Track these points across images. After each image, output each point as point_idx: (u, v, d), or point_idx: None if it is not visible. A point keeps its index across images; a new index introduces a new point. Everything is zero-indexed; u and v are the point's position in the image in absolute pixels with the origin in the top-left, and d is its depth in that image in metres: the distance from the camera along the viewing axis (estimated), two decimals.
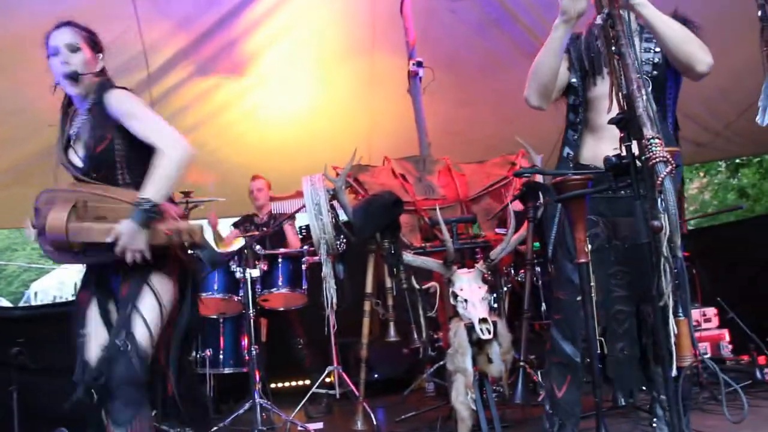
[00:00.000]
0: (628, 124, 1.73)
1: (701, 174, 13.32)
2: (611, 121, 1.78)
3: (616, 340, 2.47)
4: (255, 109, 5.66)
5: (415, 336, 3.77)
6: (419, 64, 4.52)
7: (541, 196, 3.58)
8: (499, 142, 5.68)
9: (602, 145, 2.46)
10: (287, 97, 5.67)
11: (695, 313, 4.55)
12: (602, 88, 2.49)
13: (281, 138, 5.89)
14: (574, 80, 2.61)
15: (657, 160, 1.59)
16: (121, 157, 2.33)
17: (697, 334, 4.51)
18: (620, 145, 1.80)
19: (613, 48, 1.75)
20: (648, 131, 1.63)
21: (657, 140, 1.61)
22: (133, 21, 4.56)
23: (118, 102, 2.33)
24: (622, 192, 2.31)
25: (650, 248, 1.70)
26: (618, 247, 2.50)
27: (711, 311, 4.74)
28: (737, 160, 11.56)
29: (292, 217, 4.98)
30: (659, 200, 1.60)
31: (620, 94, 1.80)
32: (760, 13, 2.44)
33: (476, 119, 6.00)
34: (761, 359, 4.31)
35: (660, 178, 1.57)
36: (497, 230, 3.92)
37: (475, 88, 5.79)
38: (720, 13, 4.74)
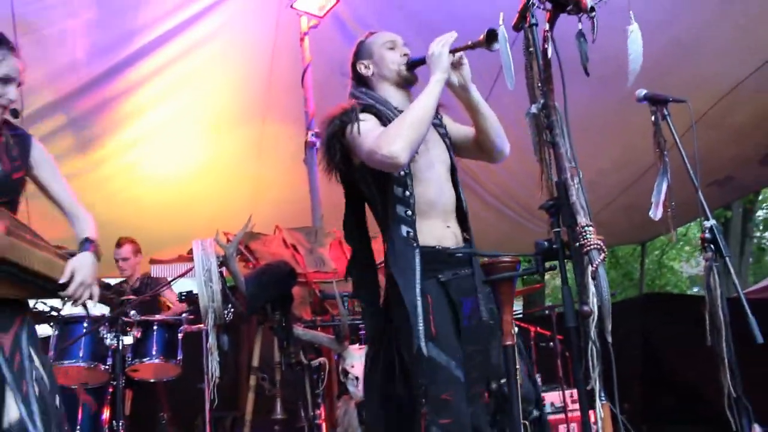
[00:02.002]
0: (559, 210, 1.78)
1: None
2: (542, 207, 1.83)
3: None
4: (134, 165, 5.42)
5: (302, 413, 3.62)
6: (317, 135, 4.52)
7: None
8: None
9: (435, 222, 2.33)
10: (170, 156, 5.48)
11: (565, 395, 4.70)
12: (421, 159, 2.34)
13: (161, 197, 5.66)
14: None
15: (591, 247, 1.64)
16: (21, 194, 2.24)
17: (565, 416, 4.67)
18: (549, 230, 1.85)
19: (547, 137, 1.81)
20: (582, 219, 1.69)
21: (591, 228, 1.66)
22: None
23: (43, 152, 2.34)
24: (465, 271, 2.31)
25: (578, 333, 1.73)
26: (471, 327, 2.28)
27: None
28: None
29: (168, 284, 4.70)
30: (591, 286, 1.64)
31: (548, 180, 1.86)
32: (653, 118, 2.65)
33: None
34: None
35: (595, 266, 1.61)
36: None
37: None
38: (590, 118, 5.15)
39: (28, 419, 1.92)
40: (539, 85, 1.89)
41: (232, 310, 3.67)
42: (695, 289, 19.07)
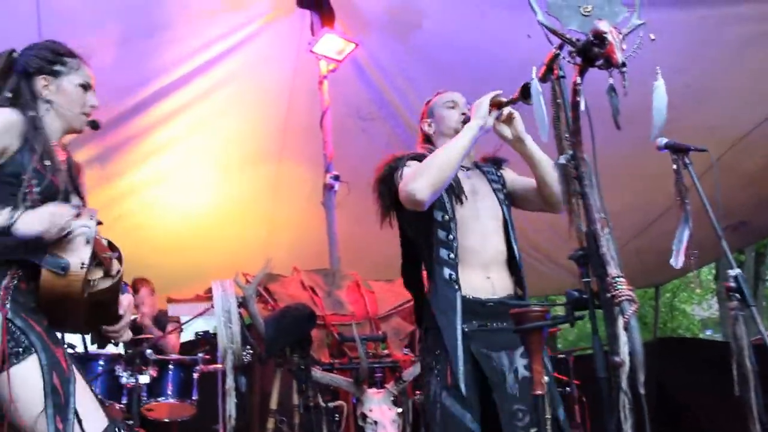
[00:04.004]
0: (588, 260, 1.79)
1: None
2: (571, 257, 1.83)
3: None
4: (153, 204, 5.49)
5: None
6: (336, 178, 4.57)
7: None
8: (397, 262, 5.76)
9: (474, 271, 2.39)
10: (188, 195, 5.56)
11: None
12: (466, 208, 2.44)
13: (177, 235, 5.71)
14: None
15: (623, 298, 1.64)
16: None
17: None
18: (579, 280, 1.86)
19: (576, 188, 1.83)
20: (612, 269, 1.69)
21: (622, 279, 1.67)
22: None
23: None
24: (498, 324, 2.31)
25: (609, 384, 1.72)
26: (510, 384, 2.26)
27: None
28: None
29: (180, 325, 4.70)
30: (621, 337, 1.64)
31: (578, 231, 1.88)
32: (674, 166, 2.67)
33: (377, 237, 6.07)
34: None
35: (626, 317, 1.62)
36: (404, 350, 3.89)
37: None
38: (602, 162, 5.17)
39: None
40: (567, 136, 1.92)
41: (251, 351, 3.68)
42: (708, 332, 18.89)
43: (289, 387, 3.56)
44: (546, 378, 2.12)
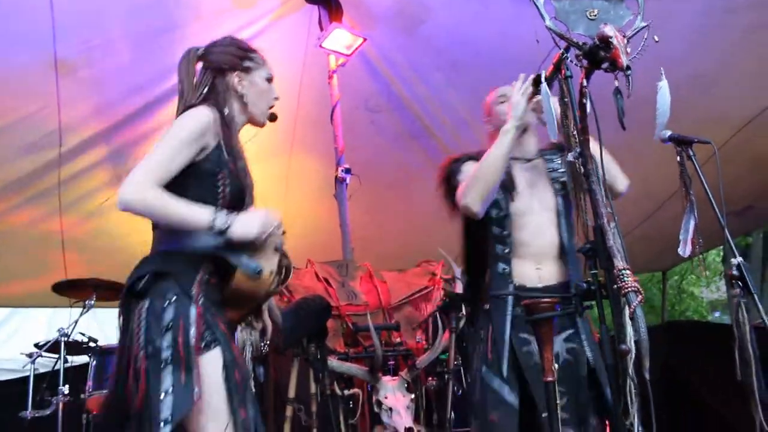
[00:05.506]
0: (595, 253, 1.88)
1: None
2: (579, 250, 1.92)
3: None
4: None
5: None
6: (348, 171, 4.65)
7: (463, 307, 3.69)
8: (407, 251, 5.87)
9: (526, 263, 2.52)
10: None
11: None
12: (520, 203, 2.56)
13: None
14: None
15: (629, 290, 1.73)
16: None
17: None
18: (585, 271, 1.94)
19: (584, 184, 1.91)
20: (619, 262, 1.78)
21: (628, 271, 1.75)
22: (52, 98, 4.51)
23: None
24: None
25: (616, 370, 1.81)
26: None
27: None
28: None
29: None
30: (629, 326, 1.73)
31: (585, 225, 1.96)
32: (678, 158, 2.73)
33: (387, 228, 6.17)
34: None
35: (632, 307, 1.70)
36: (417, 338, 3.98)
37: (388, 198, 6.00)
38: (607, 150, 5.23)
39: None
40: (575, 134, 2.00)
41: (268, 342, 3.77)
42: (716, 314, 18.92)
43: (306, 376, 3.66)
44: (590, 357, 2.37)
